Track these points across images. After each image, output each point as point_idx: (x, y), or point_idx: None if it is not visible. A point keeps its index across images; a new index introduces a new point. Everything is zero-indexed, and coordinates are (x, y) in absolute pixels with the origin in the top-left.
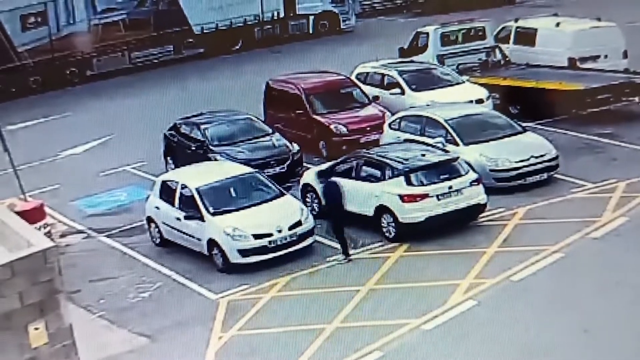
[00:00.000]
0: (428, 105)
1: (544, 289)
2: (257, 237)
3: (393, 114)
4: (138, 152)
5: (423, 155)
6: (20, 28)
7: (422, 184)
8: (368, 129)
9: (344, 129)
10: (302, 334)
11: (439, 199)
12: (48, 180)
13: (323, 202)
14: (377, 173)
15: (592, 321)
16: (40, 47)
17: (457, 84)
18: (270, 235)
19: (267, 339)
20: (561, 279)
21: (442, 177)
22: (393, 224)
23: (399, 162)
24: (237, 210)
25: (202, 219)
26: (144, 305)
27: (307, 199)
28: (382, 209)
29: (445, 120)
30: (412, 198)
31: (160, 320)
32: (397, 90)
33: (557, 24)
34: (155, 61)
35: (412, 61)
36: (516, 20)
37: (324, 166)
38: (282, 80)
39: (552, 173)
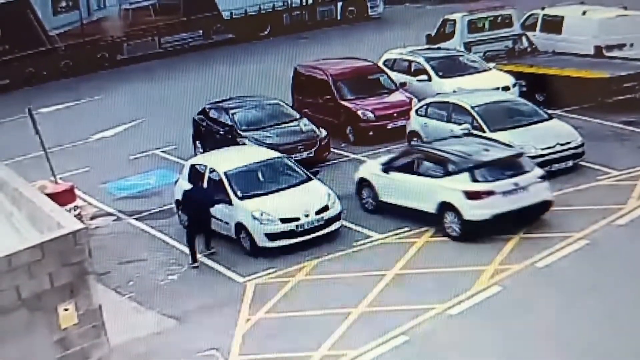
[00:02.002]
0: (455, 91)
1: (568, 275)
2: (284, 221)
3: (420, 101)
4: (167, 135)
5: (487, 150)
6: (51, 12)
7: (488, 181)
8: (395, 115)
9: (371, 115)
10: (328, 317)
11: (504, 196)
12: (78, 163)
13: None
14: (440, 168)
15: (617, 308)
16: (71, 31)
17: (484, 71)
18: (297, 219)
19: (294, 322)
20: (586, 266)
21: (507, 173)
22: (457, 222)
23: (462, 157)
24: (264, 194)
25: (230, 202)
26: (173, 288)
27: (363, 195)
28: (445, 206)
29: (472, 107)
30: (478, 195)
31: (189, 303)
32: (424, 76)
33: (584, 12)
34: (185, 46)
35: (439, 48)
36: (543, 8)
37: (383, 159)
38: (310, 65)
39: (577, 160)
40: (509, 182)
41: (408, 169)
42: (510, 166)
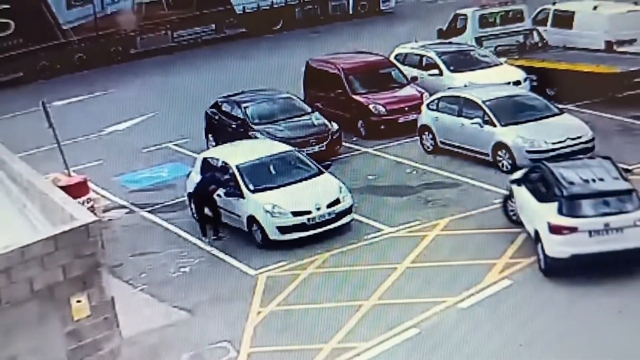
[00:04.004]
0: (466, 86)
1: (579, 268)
2: (296, 214)
3: (431, 95)
4: (180, 129)
5: (595, 180)
6: (65, 6)
7: (574, 215)
8: (406, 109)
9: (382, 109)
10: (339, 310)
11: (590, 236)
12: (92, 156)
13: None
14: (543, 191)
15: (627, 302)
16: (85, 25)
17: (495, 65)
18: (309, 212)
19: (305, 315)
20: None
21: (602, 210)
22: (542, 254)
23: (560, 183)
24: (276, 187)
25: (242, 196)
26: (185, 280)
27: (510, 205)
28: (538, 235)
29: (483, 102)
30: (559, 229)
31: (200, 295)
32: (436, 71)
33: (595, 7)
34: (198, 40)
35: (450, 42)
36: (554, 3)
37: (518, 174)
38: (322, 60)
39: (588, 155)
40: (599, 221)
41: (528, 184)
42: (608, 203)
